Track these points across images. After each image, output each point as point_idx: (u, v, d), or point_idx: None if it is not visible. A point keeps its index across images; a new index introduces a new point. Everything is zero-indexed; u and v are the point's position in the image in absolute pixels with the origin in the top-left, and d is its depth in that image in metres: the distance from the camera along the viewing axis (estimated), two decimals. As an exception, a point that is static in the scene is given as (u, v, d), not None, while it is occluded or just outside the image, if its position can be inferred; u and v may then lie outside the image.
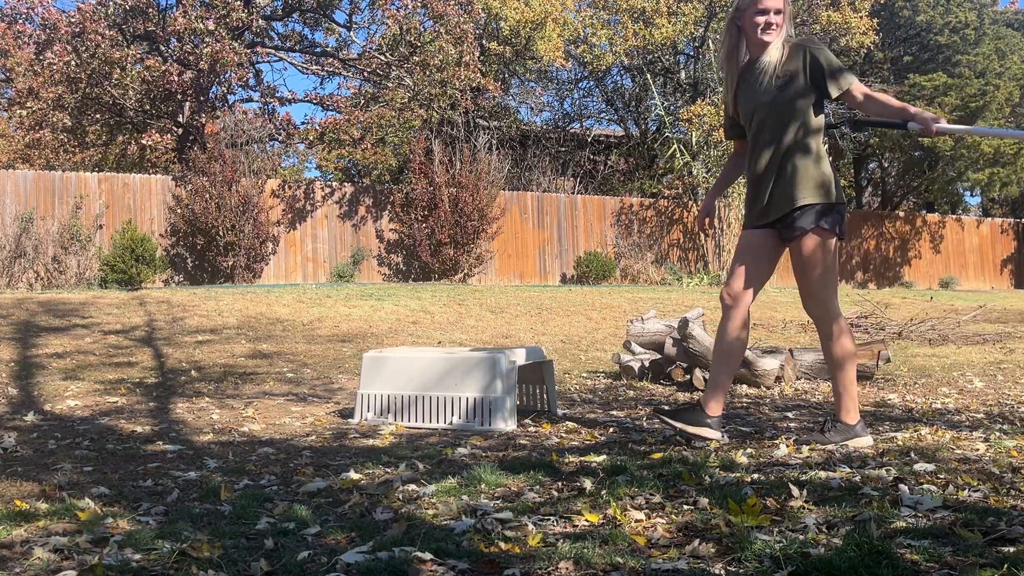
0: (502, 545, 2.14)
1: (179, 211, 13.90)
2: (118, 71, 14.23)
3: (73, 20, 14.16)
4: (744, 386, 5.54)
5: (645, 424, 4.22)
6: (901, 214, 21.43)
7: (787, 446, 3.43)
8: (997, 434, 3.65)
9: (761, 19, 3.33)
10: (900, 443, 3.47)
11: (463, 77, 15.42)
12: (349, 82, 19.37)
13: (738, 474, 2.91)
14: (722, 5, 19.05)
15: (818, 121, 3.36)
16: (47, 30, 14.35)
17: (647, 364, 6.00)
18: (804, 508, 2.42)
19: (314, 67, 18.69)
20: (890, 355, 6.22)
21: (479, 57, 16.54)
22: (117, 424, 4.30)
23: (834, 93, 3.32)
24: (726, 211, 17.01)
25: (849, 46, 20.15)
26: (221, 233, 13.61)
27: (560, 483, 2.84)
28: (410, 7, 15.68)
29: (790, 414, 4.46)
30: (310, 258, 15.17)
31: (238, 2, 14.43)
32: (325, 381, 5.98)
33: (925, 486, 2.65)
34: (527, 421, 4.36)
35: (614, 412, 4.65)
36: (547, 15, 17.42)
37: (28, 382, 5.70)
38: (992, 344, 8.23)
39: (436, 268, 15.11)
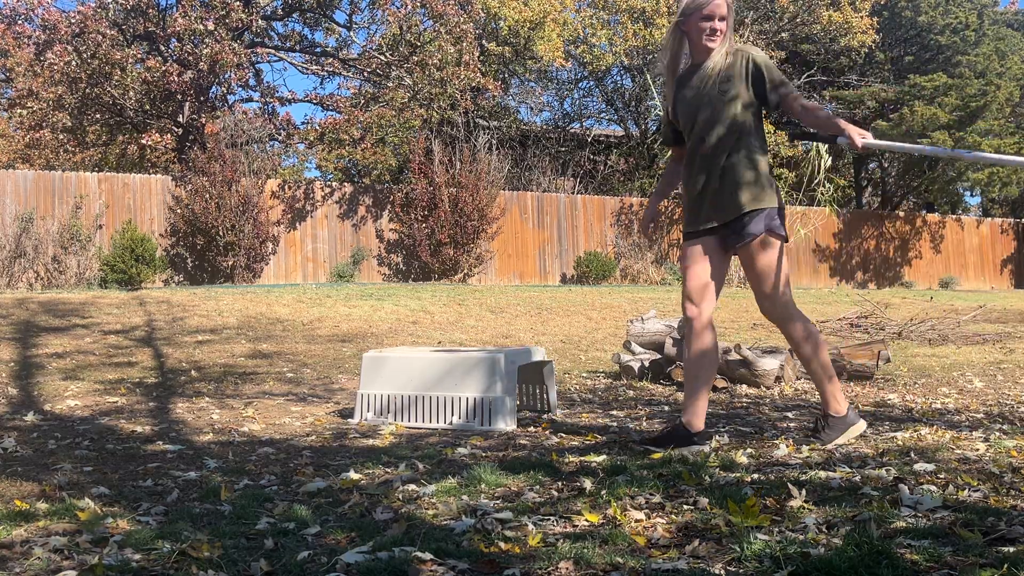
0: (502, 545, 2.14)
1: (179, 211, 13.90)
2: (118, 71, 14.23)
3: (74, 20, 14.16)
4: (744, 386, 5.54)
5: (645, 424, 4.22)
6: (901, 214, 21.43)
7: (787, 446, 3.43)
8: (997, 434, 3.65)
9: (706, 25, 3.33)
10: (900, 443, 3.47)
11: (463, 77, 15.42)
12: (349, 82, 19.37)
13: (738, 474, 2.91)
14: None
15: (758, 127, 3.38)
16: (47, 30, 14.35)
17: (647, 364, 6.00)
18: (804, 508, 2.42)
19: (314, 67, 18.69)
20: (890, 355, 6.22)
21: (479, 57, 16.54)
22: (117, 424, 4.30)
23: (773, 101, 3.34)
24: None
25: (850, 45, 20.17)
26: (221, 233, 13.61)
27: (560, 483, 2.84)
28: (410, 7, 15.68)
29: (790, 414, 4.46)
30: (310, 258, 15.17)
31: (238, 2, 14.43)
32: (325, 381, 5.99)
33: (925, 486, 2.65)
34: (527, 421, 4.36)
35: (614, 412, 4.65)
36: (546, 15, 17.42)
37: (28, 382, 5.70)
38: (992, 344, 8.23)
39: (436, 268, 15.12)
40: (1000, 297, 15.50)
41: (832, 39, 20.41)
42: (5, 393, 5.30)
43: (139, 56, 14.81)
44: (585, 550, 2.07)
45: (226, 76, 15.19)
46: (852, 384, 5.78)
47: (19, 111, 14.82)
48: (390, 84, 16.08)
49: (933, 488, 2.63)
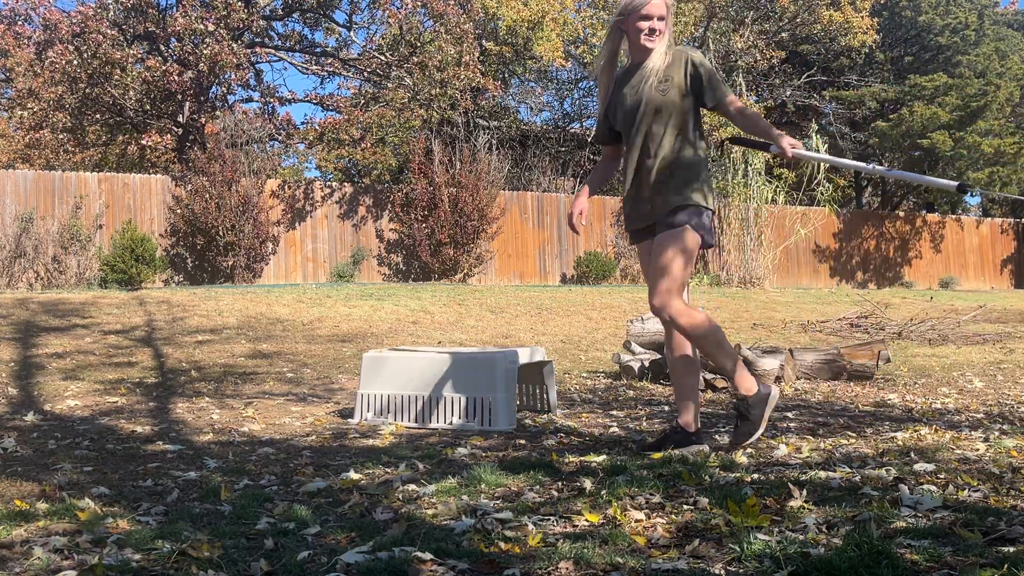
0: (502, 545, 2.14)
1: (179, 211, 13.90)
2: (118, 71, 14.23)
3: (74, 20, 14.16)
4: (744, 386, 5.54)
5: (645, 424, 4.22)
6: (901, 214, 21.43)
7: (787, 446, 3.43)
8: (997, 434, 3.65)
9: (645, 24, 3.32)
10: (900, 443, 3.47)
11: (463, 77, 15.42)
12: (349, 82, 19.37)
13: (738, 474, 2.91)
14: (722, 5, 19.07)
15: (696, 127, 3.38)
16: (48, 30, 14.35)
17: (647, 364, 6.00)
18: (804, 508, 2.42)
19: (314, 67, 18.69)
20: (890, 355, 6.22)
21: (479, 57, 16.54)
22: (117, 424, 4.30)
23: (710, 103, 3.34)
24: (726, 211, 17.01)
25: (850, 45, 20.17)
26: (221, 233, 13.61)
27: (560, 483, 2.84)
28: (410, 7, 15.68)
29: (790, 414, 4.46)
30: (310, 258, 15.17)
31: (239, 3, 14.43)
32: (325, 381, 5.99)
33: (925, 486, 2.65)
34: (527, 421, 4.36)
35: (614, 412, 4.65)
36: (544, 14, 17.42)
37: (28, 382, 5.70)
38: (992, 344, 8.23)
39: (436, 268, 15.12)
40: (1000, 297, 15.50)
41: (832, 39, 20.41)
42: (5, 393, 5.31)
43: (139, 56, 14.81)
44: (585, 550, 2.07)
45: (226, 76, 15.19)
46: (852, 384, 5.79)
47: (19, 111, 14.82)
48: (390, 84, 16.08)
49: (933, 488, 2.63)
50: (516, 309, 10.66)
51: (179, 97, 15.07)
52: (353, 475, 3.01)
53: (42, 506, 2.61)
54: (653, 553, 2.09)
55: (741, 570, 1.94)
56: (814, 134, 18.23)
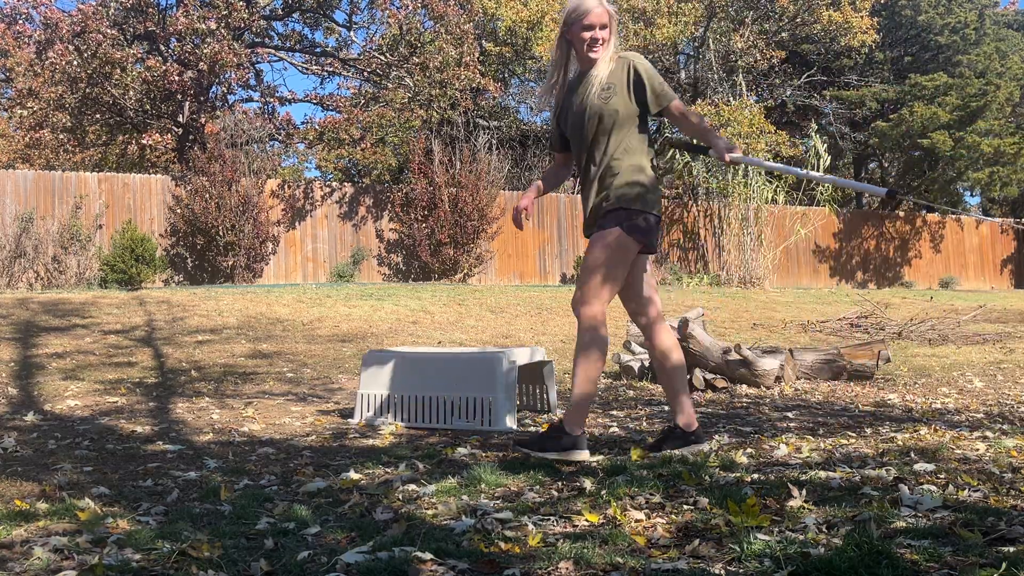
0: (502, 545, 2.14)
1: (179, 211, 13.90)
2: (118, 71, 14.23)
3: (74, 19, 14.17)
4: (744, 386, 5.54)
5: (645, 424, 4.22)
6: (901, 214, 21.44)
7: (787, 446, 3.43)
8: (997, 434, 3.65)
9: (587, 35, 3.35)
10: (900, 443, 3.47)
11: (463, 77, 15.42)
12: (349, 82, 19.38)
13: (738, 474, 2.91)
14: (722, 5, 19.06)
15: (641, 134, 3.39)
16: (48, 30, 14.36)
17: (647, 364, 6.00)
18: (804, 508, 2.42)
19: (314, 67, 18.70)
20: (890, 355, 6.22)
21: (479, 57, 16.54)
22: (117, 424, 4.30)
23: (654, 109, 3.37)
24: (726, 211, 17.01)
25: (850, 45, 20.16)
26: (221, 233, 13.61)
27: (560, 483, 2.85)
28: (410, 7, 15.68)
29: (790, 414, 4.46)
30: (310, 258, 15.17)
31: (240, 2, 14.43)
32: (325, 381, 5.99)
33: (925, 486, 2.65)
34: (527, 421, 4.36)
35: (614, 412, 4.65)
36: (544, 14, 17.42)
37: (28, 382, 5.70)
38: (992, 344, 8.23)
39: (436, 268, 15.12)
40: (1000, 297, 15.50)
41: (832, 39, 20.41)
42: (5, 393, 5.31)
43: (139, 56, 14.82)
44: (585, 550, 2.07)
45: (226, 76, 15.19)
46: (852, 384, 5.79)
47: (19, 111, 14.82)
48: (390, 84, 16.08)
49: (933, 488, 2.63)
50: (516, 309, 10.66)
51: (179, 97, 15.07)
52: (353, 475, 3.01)
53: (42, 506, 2.61)
54: (653, 553, 2.09)
55: (741, 570, 1.94)
56: (814, 134, 18.24)
